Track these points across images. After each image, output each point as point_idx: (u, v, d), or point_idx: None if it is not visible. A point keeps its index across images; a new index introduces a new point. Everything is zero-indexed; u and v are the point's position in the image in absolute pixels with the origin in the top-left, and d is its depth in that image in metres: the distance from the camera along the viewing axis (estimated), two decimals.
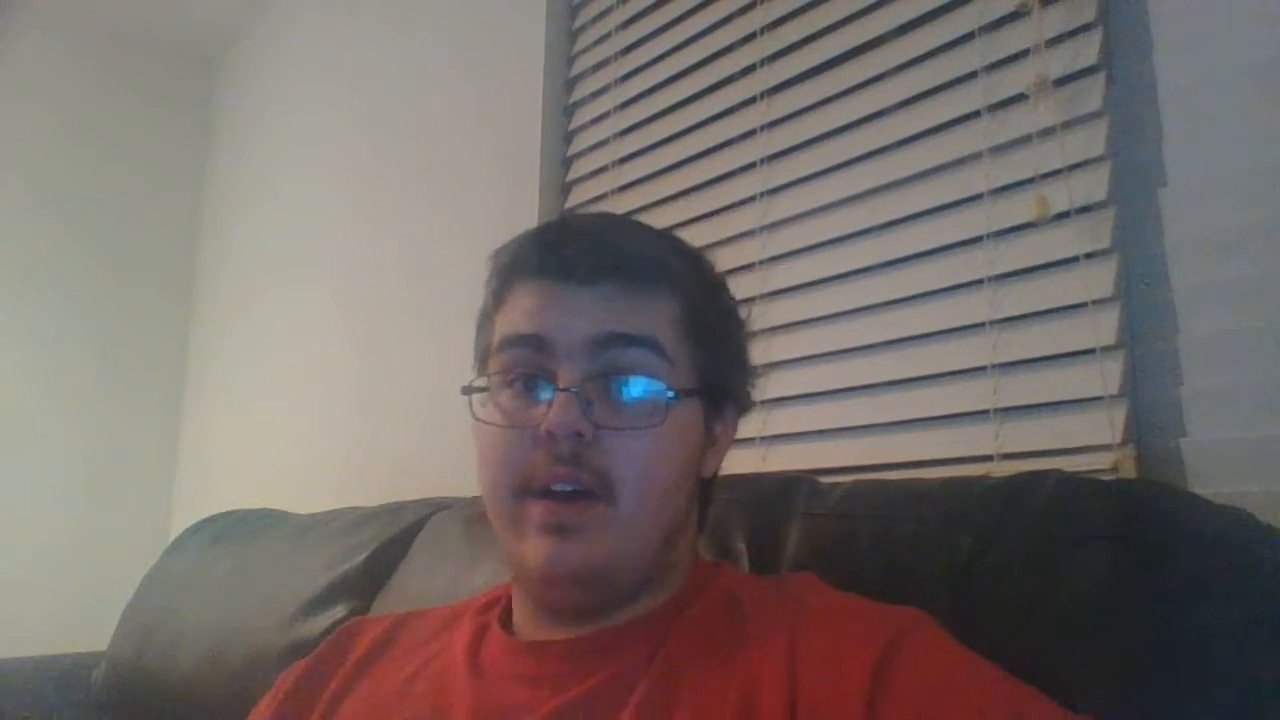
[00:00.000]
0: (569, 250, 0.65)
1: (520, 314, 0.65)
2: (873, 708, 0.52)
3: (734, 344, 0.72)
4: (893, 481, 0.83)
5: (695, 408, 0.66)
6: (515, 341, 0.64)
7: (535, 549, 0.61)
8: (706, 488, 0.72)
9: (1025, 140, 0.95)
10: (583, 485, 0.61)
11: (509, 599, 0.72)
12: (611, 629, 0.64)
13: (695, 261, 0.71)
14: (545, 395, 0.62)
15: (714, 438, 0.69)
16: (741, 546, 0.82)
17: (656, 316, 0.64)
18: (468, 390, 0.67)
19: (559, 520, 0.61)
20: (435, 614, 0.78)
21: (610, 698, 0.59)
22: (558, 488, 0.61)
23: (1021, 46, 0.97)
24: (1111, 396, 0.86)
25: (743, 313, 0.74)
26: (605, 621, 0.64)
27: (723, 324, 0.70)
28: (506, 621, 0.70)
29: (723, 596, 0.65)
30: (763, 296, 1.19)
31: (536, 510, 0.61)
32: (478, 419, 0.65)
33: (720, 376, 0.68)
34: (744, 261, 1.22)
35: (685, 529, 0.68)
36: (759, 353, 1.04)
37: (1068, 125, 0.92)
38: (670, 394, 0.62)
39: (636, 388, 0.62)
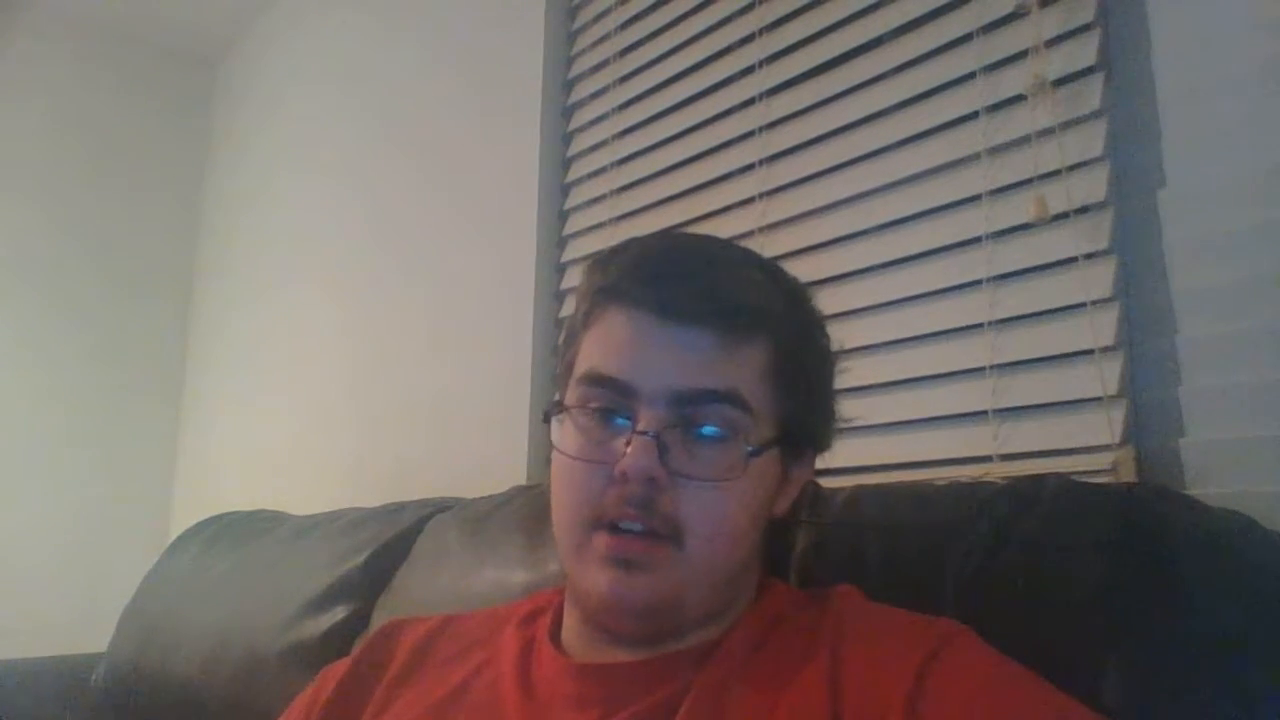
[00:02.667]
0: (669, 286, 0.63)
1: (607, 348, 0.64)
2: (913, 711, 0.52)
3: (822, 389, 0.70)
4: (895, 487, 0.83)
5: (774, 455, 0.65)
6: (598, 381, 0.63)
7: (599, 579, 0.61)
8: (775, 523, 0.70)
9: (1024, 141, 0.95)
10: (650, 528, 0.60)
11: (556, 611, 0.71)
12: (665, 655, 0.63)
13: (795, 302, 0.69)
14: (620, 423, 0.62)
15: (789, 478, 0.68)
16: None
17: (746, 367, 0.63)
18: (548, 414, 0.67)
19: (625, 555, 0.60)
20: (475, 620, 0.77)
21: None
22: (625, 526, 0.61)
23: (1020, 47, 0.97)
24: (1110, 397, 0.86)
25: (834, 350, 0.72)
26: (661, 648, 0.64)
27: (813, 369, 0.68)
28: (555, 636, 0.70)
29: (767, 620, 0.65)
30: None
31: (603, 542, 0.61)
32: (556, 448, 0.65)
33: (803, 423, 0.67)
34: None
35: (752, 566, 0.68)
36: None
37: (1066, 126, 0.92)
38: (749, 449, 0.61)
39: (716, 441, 0.61)
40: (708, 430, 0.61)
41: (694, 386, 0.61)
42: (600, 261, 0.68)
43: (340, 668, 0.77)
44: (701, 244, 0.71)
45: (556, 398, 0.68)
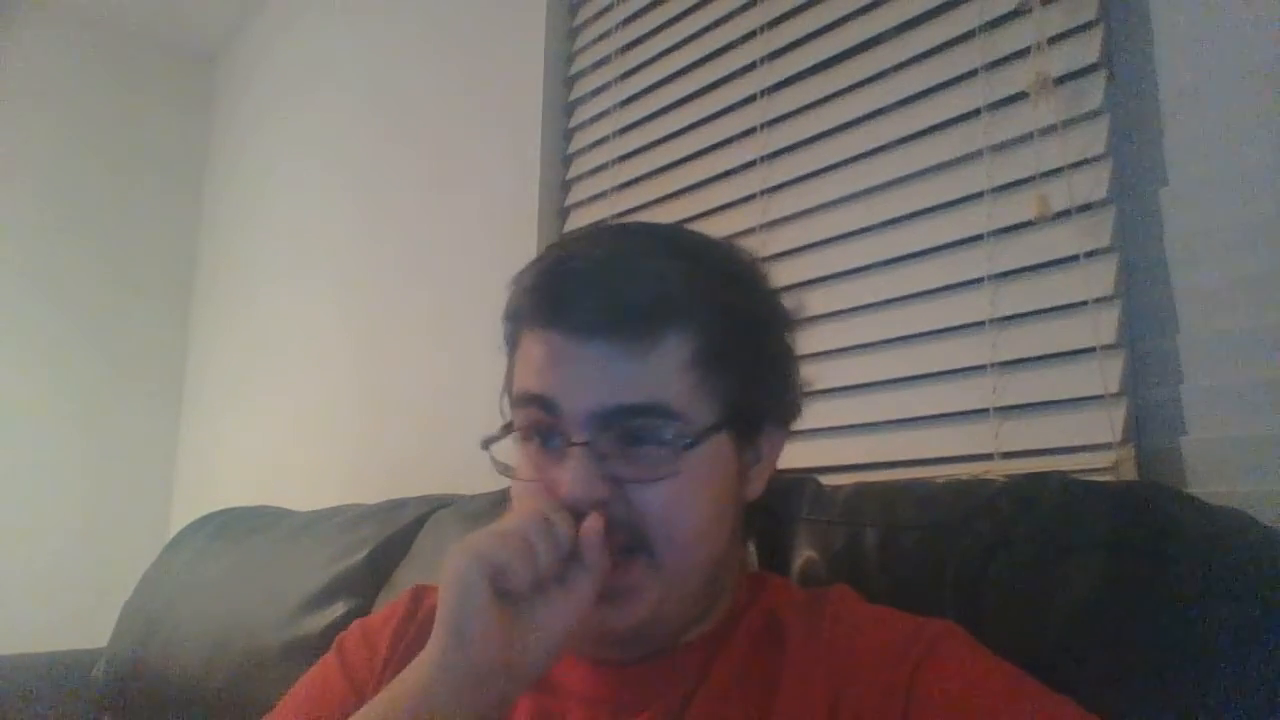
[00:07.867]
0: (567, 298, 0.61)
1: (530, 369, 0.63)
2: (905, 715, 0.53)
3: (767, 358, 0.67)
4: (896, 485, 0.83)
5: (723, 439, 0.63)
6: (528, 400, 0.63)
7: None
8: (753, 504, 0.69)
9: (1026, 138, 0.95)
10: (615, 544, 0.59)
11: None
12: (666, 657, 0.64)
13: (720, 279, 0.65)
14: (558, 444, 0.61)
15: (758, 455, 0.67)
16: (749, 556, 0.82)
17: (663, 368, 0.60)
18: (487, 441, 0.65)
19: (604, 587, 0.58)
20: None
21: None
22: None
23: (1022, 44, 0.97)
24: (1111, 395, 0.86)
25: (785, 308, 0.70)
26: (657, 646, 0.64)
27: (751, 341, 0.66)
28: None
29: (765, 619, 0.65)
30: None
31: None
32: (497, 467, 0.64)
33: (751, 399, 0.65)
34: None
35: (730, 554, 0.67)
36: None
37: (1068, 123, 0.92)
38: (685, 441, 0.60)
39: (650, 443, 0.60)
40: (639, 442, 0.60)
41: (612, 404, 0.59)
42: (512, 281, 0.67)
43: (382, 625, 0.74)
44: (600, 244, 0.66)
45: (505, 422, 0.67)
